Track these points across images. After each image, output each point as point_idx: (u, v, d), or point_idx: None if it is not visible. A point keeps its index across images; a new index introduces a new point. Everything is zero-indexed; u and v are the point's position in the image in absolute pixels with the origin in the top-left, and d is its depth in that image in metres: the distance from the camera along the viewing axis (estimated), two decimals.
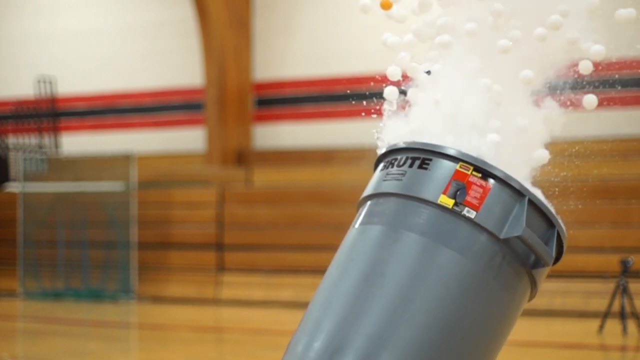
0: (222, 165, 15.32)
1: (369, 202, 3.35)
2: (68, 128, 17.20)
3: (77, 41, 17.28)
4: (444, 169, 3.21)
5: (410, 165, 3.26)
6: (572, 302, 11.04)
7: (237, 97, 15.52)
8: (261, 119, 15.73)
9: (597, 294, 10.90)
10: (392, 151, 3.36)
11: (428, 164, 3.23)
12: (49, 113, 16.71)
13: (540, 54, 3.44)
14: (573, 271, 10.85)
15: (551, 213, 3.24)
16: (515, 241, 3.18)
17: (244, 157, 15.55)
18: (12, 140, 16.92)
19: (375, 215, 3.27)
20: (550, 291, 10.77)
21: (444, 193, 3.18)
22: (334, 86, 15.02)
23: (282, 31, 15.51)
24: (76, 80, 17.20)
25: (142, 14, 16.71)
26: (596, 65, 3.46)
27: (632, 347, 9.21)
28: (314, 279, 12.72)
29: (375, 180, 3.37)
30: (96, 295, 13.96)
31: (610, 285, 10.19)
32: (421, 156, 3.25)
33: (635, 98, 12.35)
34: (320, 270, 13.84)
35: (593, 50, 3.43)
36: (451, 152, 3.22)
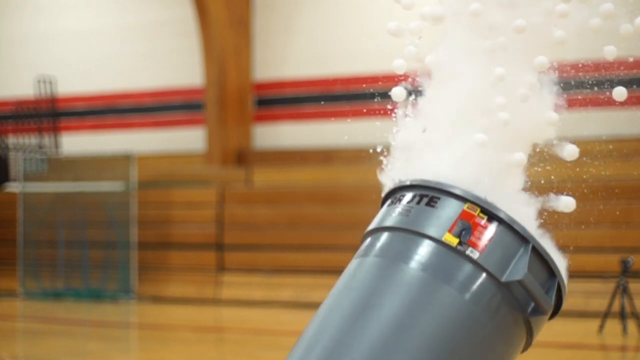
0: (222, 165, 15.32)
1: (372, 236, 3.35)
2: (68, 128, 17.21)
3: (77, 41, 17.29)
4: (452, 208, 3.22)
5: (418, 202, 3.27)
6: (572, 302, 11.02)
7: (237, 97, 15.52)
8: (261, 119, 15.74)
9: (597, 294, 10.89)
10: (401, 188, 3.36)
11: (436, 202, 3.24)
12: (49, 113, 16.71)
13: (557, 38, 3.38)
14: (573, 271, 10.83)
15: (554, 263, 3.24)
16: (515, 286, 3.17)
17: (244, 157, 15.56)
18: (12, 140, 16.92)
19: (378, 248, 3.28)
20: None
21: (449, 231, 3.18)
22: (334, 86, 15.02)
23: (282, 31, 15.51)
24: (76, 80, 17.21)
25: (142, 14, 16.71)
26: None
27: (632, 347, 9.21)
28: (314, 279, 12.74)
29: (381, 215, 3.38)
30: (96, 295, 13.96)
31: (610, 285, 10.18)
32: (429, 194, 3.26)
33: (635, 98, 12.34)
34: (320, 271, 13.81)
35: (637, 22, 3.35)
36: (460, 192, 3.23)
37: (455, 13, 3.46)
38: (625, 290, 9.70)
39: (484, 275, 3.16)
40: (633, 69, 3.78)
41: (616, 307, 9.80)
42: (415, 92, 3.55)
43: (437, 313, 3.11)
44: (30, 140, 16.70)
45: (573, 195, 3.48)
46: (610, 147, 11.42)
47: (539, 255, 3.21)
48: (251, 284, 13.34)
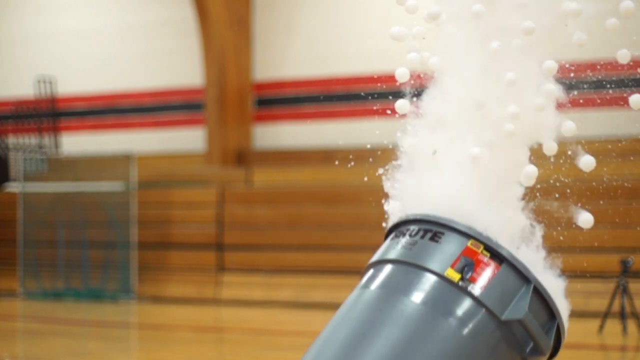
0: (222, 165, 15.32)
1: (375, 268, 3.36)
2: (68, 128, 17.20)
3: (77, 41, 17.28)
4: (455, 243, 3.23)
5: (422, 237, 3.28)
6: (572, 302, 11.00)
7: (237, 97, 15.52)
8: (261, 119, 15.73)
9: (597, 294, 10.89)
10: (406, 222, 3.37)
11: (440, 237, 3.25)
12: (49, 113, 16.71)
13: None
14: (573, 271, 10.83)
15: (554, 305, 3.25)
16: (515, 325, 3.18)
17: (244, 157, 15.55)
18: (12, 140, 16.92)
19: (379, 280, 3.28)
20: None
21: (452, 267, 3.19)
22: (334, 86, 15.01)
23: (282, 31, 15.51)
24: (76, 80, 17.20)
25: (142, 14, 16.71)
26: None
27: (632, 347, 9.21)
28: (314, 279, 12.73)
29: (384, 248, 3.39)
30: (96, 295, 13.96)
31: (610, 285, 10.18)
32: (434, 229, 3.27)
33: None
34: (320, 271, 13.73)
35: None
36: (464, 229, 3.23)
37: (458, 15, 3.43)
38: (625, 290, 9.70)
39: (483, 312, 3.16)
40: (633, 69, 3.77)
41: (616, 307, 9.80)
42: (418, 102, 3.52)
43: (435, 346, 3.11)
44: (30, 140, 16.70)
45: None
46: (610, 147, 11.42)
47: (541, 296, 3.22)
48: (251, 284, 13.33)
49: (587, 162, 3.42)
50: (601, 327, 9.63)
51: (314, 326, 11.12)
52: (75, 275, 14.34)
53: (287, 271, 13.14)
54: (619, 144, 11.73)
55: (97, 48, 17.06)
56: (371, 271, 3.35)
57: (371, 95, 13.92)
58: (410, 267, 3.23)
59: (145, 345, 9.78)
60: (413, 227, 3.31)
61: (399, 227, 3.38)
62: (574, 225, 3.46)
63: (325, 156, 14.85)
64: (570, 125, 3.41)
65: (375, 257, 3.38)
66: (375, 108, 13.52)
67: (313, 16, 15.34)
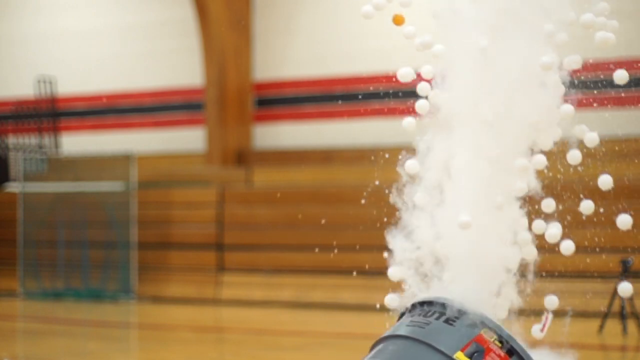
0: (222, 165, 15.32)
1: (386, 342, 3.40)
2: (68, 128, 17.20)
3: (77, 41, 17.28)
4: (468, 329, 3.28)
5: (437, 318, 3.33)
6: (572, 302, 11.01)
7: (237, 97, 15.52)
8: (261, 119, 15.73)
9: (597, 294, 10.89)
10: (423, 303, 3.41)
11: (454, 321, 3.30)
12: (49, 113, 16.71)
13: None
14: (573, 271, 10.82)
15: None
16: None
17: (244, 157, 15.55)
18: (12, 140, 16.92)
19: (388, 354, 3.32)
20: (550, 291, 10.72)
21: (462, 350, 3.23)
22: (334, 86, 15.01)
23: (282, 31, 15.51)
24: (76, 80, 17.20)
25: (142, 14, 16.71)
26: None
27: (632, 347, 9.20)
28: (314, 279, 12.73)
29: (397, 325, 3.43)
30: (96, 295, 13.96)
31: (610, 285, 10.18)
32: (449, 313, 3.32)
33: (635, 98, 12.34)
34: (320, 271, 13.71)
35: None
36: (479, 317, 3.28)
37: (466, 52, 3.42)
38: None
39: None
40: (633, 69, 3.78)
41: (616, 307, 9.80)
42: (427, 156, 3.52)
43: None
44: (30, 140, 16.70)
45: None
46: (610, 147, 11.40)
47: None
48: (251, 284, 13.33)
49: (624, 220, 3.48)
50: (601, 327, 9.63)
51: (314, 326, 11.12)
52: (75, 275, 14.34)
53: (287, 271, 13.14)
54: (619, 144, 11.72)
55: (97, 48, 17.06)
56: (381, 345, 3.39)
57: (371, 95, 13.92)
58: (421, 345, 3.27)
59: (145, 345, 9.78)
60: (429, 309, 3.36)
61: (416, 307, 3.43)
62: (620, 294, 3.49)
63: (325, 156, 14.85)
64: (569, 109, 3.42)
65: (388, 332, 3.42)
66: (375, 108, 13.53)
67: (313, 16, 15.34)
